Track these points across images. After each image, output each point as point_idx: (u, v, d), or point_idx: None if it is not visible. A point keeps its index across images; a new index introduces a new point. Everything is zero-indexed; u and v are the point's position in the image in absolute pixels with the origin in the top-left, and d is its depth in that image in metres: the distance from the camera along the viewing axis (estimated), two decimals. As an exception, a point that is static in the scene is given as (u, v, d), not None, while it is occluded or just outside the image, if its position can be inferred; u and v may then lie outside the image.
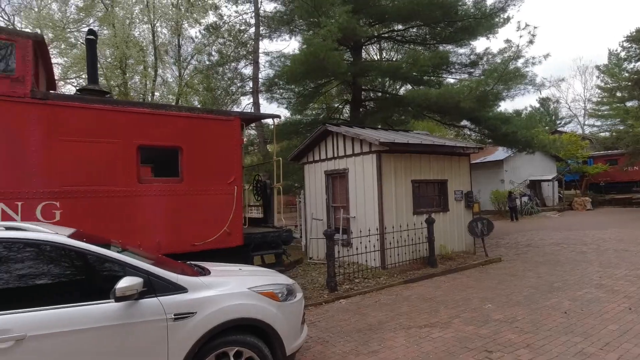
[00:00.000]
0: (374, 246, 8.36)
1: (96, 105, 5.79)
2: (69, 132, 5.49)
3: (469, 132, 16.77)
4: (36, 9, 18.56)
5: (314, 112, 20.88)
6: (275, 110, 42.51)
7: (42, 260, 2.80)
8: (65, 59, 18.66)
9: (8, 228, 2.85)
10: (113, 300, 2.77)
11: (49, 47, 19.61)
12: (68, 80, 19.37)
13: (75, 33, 18.94)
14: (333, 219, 10.34)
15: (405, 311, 5.96)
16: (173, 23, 19.51)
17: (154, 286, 2.99)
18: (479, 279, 7.81)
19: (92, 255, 2.91)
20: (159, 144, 6.17)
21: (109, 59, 19.15)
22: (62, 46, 18.31)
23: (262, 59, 18.38)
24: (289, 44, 70.60)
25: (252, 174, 10.86)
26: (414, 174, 9.54)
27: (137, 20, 19.21)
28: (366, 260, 8.43)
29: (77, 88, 6.95)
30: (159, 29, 19.59)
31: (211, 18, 20.56)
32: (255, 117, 9.19)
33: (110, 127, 5.77)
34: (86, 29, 19.55)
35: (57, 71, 20.65)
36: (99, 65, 19.02)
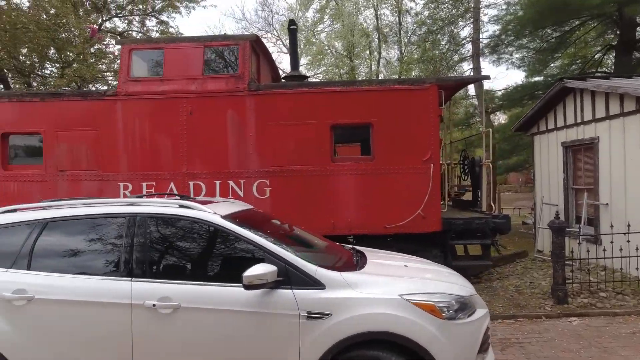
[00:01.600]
0: (638, 248, 5.78)
1: (294, 90, 6.22)
2: (276, 116, 6.12)
3: None
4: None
5: (560, 70, 16.71)
6: (504, 73, 36.63)
7: (194, 237, 2.99)
8: (309, 57, 21.50)
9: (181, 206, 3.15)
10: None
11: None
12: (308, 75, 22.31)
13: (316, 35, 21.42)
14: (573, 205, 7.91)
15: (688, 360, 3.77)
16: (393, 0, 19.52)
17: (290, 277, 2.72)
18: None
19: (237, 237, 2.89)
20: (350, 121, 6.14)
21: (339, 50, 20.93)
22: (303, 46, 21.12)
23: (484, 17, 15.90)
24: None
25: (467, 149, 9.55)
26: None
27: (362, 7, 20.16)
28: (621, 267, 5.96)
29: (283, 76, 7.61)
30: (379, 12, 19.98)
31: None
32: (459, 82, 7.74)
33: (306, 109, 6.10)
34: (325, 28, 22.16)
35: (302, 69, 24.26)
36: (331, 57, 21.32)
